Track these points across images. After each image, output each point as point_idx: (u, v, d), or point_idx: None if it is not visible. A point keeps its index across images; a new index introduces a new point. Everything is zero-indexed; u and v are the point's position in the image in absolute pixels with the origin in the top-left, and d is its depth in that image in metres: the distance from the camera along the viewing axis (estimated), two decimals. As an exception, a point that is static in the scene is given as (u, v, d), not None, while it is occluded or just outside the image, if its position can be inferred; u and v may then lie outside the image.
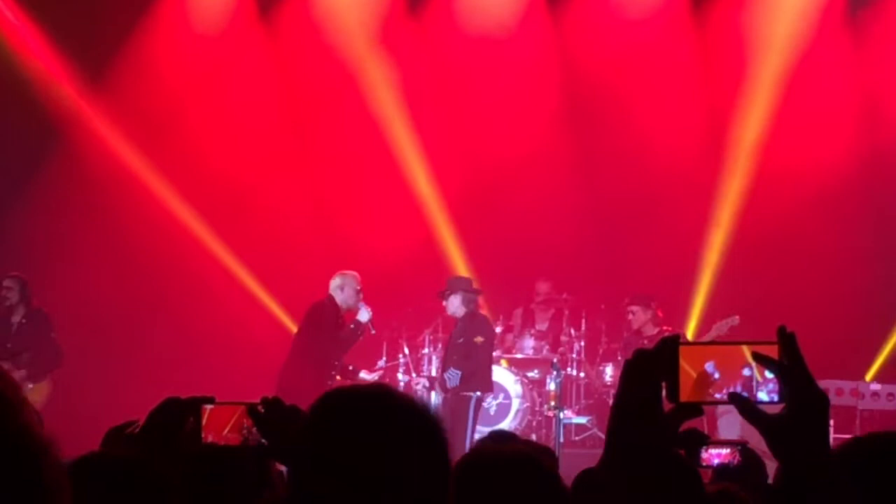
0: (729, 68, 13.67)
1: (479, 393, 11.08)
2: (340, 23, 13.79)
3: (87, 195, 13.25)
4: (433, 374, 12.00)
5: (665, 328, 11.72)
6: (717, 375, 1.97)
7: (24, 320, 11.48)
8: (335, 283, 10.91)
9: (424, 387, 11.71)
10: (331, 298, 10.86)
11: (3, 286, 11.52)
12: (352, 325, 10.87)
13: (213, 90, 13.72)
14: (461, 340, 11.16)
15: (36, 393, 11.13)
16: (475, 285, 11.50)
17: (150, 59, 13.57)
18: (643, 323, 11.96)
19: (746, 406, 1.96)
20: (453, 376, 11.05)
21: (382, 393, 2.14)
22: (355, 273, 10.99)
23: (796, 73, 13.45)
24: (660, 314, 12.05)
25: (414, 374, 12.20)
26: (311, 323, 10.83)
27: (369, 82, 13.82)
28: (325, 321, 10.76)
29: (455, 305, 11.26)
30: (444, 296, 11.34)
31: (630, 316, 12.06)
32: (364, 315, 10.84)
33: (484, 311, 11.95)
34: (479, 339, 11.18)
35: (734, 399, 1.97)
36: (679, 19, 13.86)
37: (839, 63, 13.60)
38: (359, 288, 10.91)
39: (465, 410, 10.87)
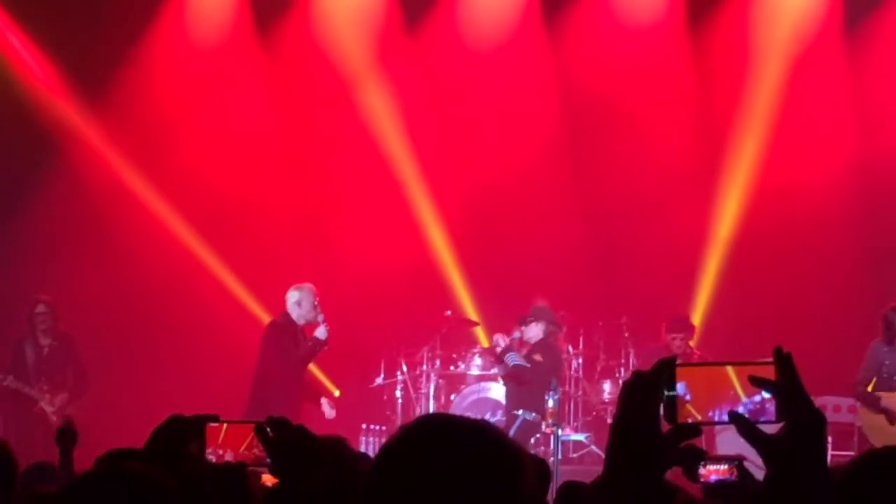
0: (726, 81, 13.67)
1: (524, 414, 11.18)
2: (338, 39, 13.79)
3: (83, 210, 13.22)
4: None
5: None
6: (688, 397, 1.98)
7: (54, 342, 11.50)
8: (292, 298, 10.70)
9: (498, 345, 11.67)
10: (286, 316, 10.69)
11: (36, 311, 11.49)
12: (310, 342, 10.67)
13: (211, 105, 13.71)
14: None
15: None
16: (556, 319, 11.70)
17: (147, 75, 13.56)
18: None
19: (745, 426, 1.95)
20: (514, 358, 11.25)
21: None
22: (311, 286, 10.79)
23: (794, 87, 13.47)
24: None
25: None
26: (271, 344, 10.61)
27: (367, 98, 13.83)
28: (285, 340, 10.58)
29: (534, 332, 11.49)
30: (525, 321, 11.51)
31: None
32: (322, 332, 10.63)
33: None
34: (539, 357, 11.34)
35: (734, 419, 1.96)
36: (676, 32, 13.86)
37: (837, 77, 13.60)
38: (316, 301, 10.69)
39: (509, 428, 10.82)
